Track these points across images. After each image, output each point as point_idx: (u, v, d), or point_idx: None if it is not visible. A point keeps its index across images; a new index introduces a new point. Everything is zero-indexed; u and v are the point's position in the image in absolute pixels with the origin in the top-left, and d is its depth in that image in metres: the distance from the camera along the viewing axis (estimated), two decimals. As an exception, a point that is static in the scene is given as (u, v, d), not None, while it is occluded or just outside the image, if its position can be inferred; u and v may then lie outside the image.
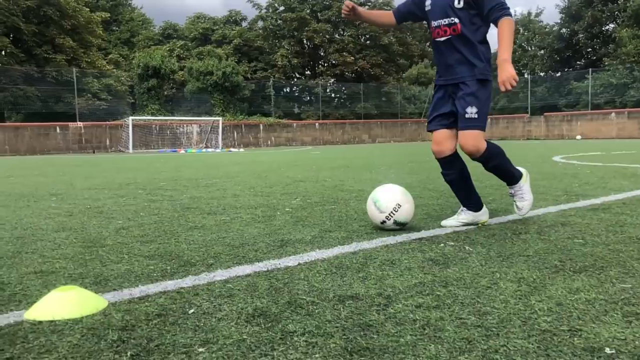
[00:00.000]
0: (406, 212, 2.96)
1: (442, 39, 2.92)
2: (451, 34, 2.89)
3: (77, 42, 30.18)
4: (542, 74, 37.85)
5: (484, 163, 2.98)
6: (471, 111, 2.84)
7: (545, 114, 30.61)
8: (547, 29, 40.40)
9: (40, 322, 1.64)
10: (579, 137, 28.21)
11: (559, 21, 38.71)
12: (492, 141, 3.04)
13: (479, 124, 2.86)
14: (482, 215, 3.11)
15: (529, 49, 41.35)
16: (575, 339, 1.44)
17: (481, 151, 2.88)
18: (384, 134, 33.12)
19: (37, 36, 28.23)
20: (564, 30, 37.98)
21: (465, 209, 3.09)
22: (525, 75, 36.76)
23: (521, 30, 40.60)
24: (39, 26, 28.35)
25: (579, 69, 35.41)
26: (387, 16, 3.27)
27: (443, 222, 3.10)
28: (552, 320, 1.57)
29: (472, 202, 3.08)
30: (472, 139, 2.86)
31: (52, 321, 1.65)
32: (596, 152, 11.97)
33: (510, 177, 3.07)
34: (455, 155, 3.03)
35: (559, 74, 35.55)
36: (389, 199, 2.94)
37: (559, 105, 31.81)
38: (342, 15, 3.21)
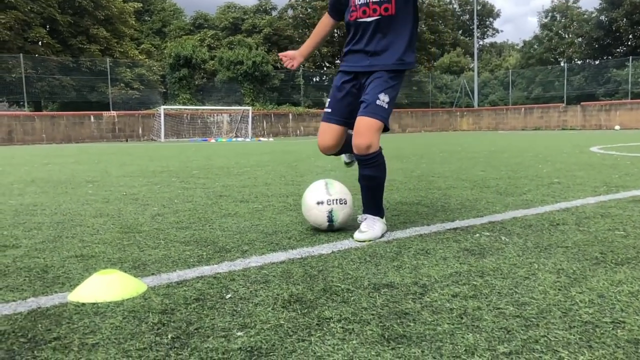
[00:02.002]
0: (345, 212, 2.72)
1: (369, 19, 2.49)
2: (381, 13, 2.48)
3: (111, 32, 30.75)
4: (579, 62, 36.78)
5: (365, 165, 2.54)
6: (383, 99, 2.47)
7: (582, 103, 29.76)
8: (585, 16, 39.19)
9: (83, 304, 1.69)
10: (617, 127, 27.35)
11: (597, 7, 37.49)
12: None
13: (385, 116, 2.49)
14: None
15: (566, 36, 40.21)
16: (619, 330, 1.40)
17: (373, 149, 2.48)
18: (414, 123, 32.79)
19: (72, 27, 28.86)
20: (603, 17, 36.77)
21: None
22: (562, 64, 35.80)
23: (558, 17, 39.48)
24: (74, 17, 28.97)
25: (618, 57, 34.29)
26: (326, 23, 2.82)
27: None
28: (593, 312, 1.53)
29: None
30: (371, 129, 2.46)
31: (94, 303, 1.69)
32: (636, 143, 11.60)
33: (378, 203, 2.63)
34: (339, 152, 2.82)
35: (597, 62, 34.48)
36: (342, 190, 2.76)
37: (597, 94, 30.90)
38: (287, 67, 2.93)
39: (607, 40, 37.17)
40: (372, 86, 2.51)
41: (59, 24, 28.06)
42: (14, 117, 22.53)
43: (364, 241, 2.48)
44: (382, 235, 2.59)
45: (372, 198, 2.62)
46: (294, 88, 32.20)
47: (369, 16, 2.51)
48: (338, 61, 41.55)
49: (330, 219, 2.69)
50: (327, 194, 2.71)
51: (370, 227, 2.55)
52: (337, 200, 2.70)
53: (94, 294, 1.73)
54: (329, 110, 2.72)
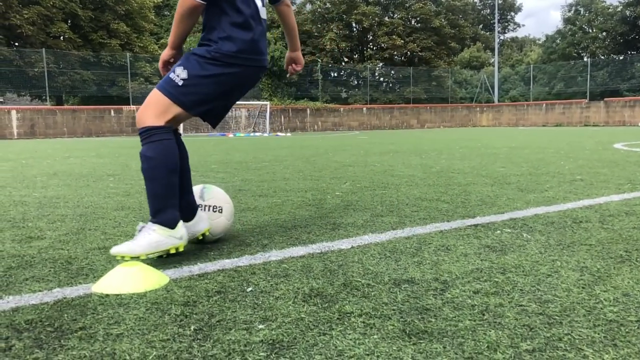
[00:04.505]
0: (218, 222, 2.42)
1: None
2: None
3: (131, 27, 31.01)
4: (603, 57, 36.11)
5: (142, 146, 2.11)
6: (179, 73, 2.11)
7: (606, 99, 29.22)
8: (610, 10, 38.42)
9: (107, 295, 1.72)
10: (641, 123, 26.82)
11: (622, 2, 36.71)
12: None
13: (171, 91, 2.10)
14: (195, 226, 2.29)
15: (590, 30, 39.50)
16: (645, 331, 1.38)
17: (142, 122, 2.10)
18: (433, 119, 32.55)
19: (93, 22, 29.18)
20: (628, 11, 36.01)
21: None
22: (585, 59, 35.20)
23: (582, 11, 38.79)
24: (95, 12, 29.28)
25: (643, 52, 33.61)
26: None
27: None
28: (618, 311, 1.51)
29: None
30: (148, 100, 2.14)
31: (118, 295, 1.72)
32: (660, 140, 11.36)
33: (155, 204, 2.10)
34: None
35: (621, 57, 33.80)
36: (221, 197, 2.50)
37: (621, 90, 30.30)
38: (290, 75, 2.66)
39: (632, 35, 36.42)
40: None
41: (80, 19, 28.40)
42: (36, 111, 22.92)
43: (116, 256, 2.01)
44: (162, 252, 2.06)
45: (148, 192, 2.12)
46: (312, 83, 32.18)
47: None
48: (356, 56, 41.43)
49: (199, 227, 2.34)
50: (200, 199, 2.43)
51: (136, 239, 2.05)
52: (209, 207, 2.42)
53: (117, 285, 1.76)
54: None
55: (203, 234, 2.31)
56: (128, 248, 2.01)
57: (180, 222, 2.13)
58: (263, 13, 2.26)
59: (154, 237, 2.04)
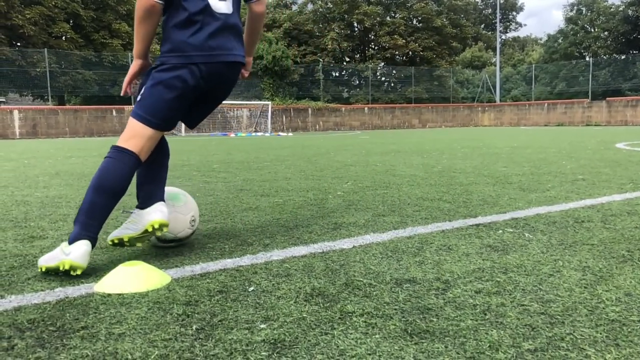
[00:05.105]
0: (178, 219, 2.32)
1: None
2: None
3: (132, 27, 31.01)
4: (605, 56, 36.04)
5: None
6: (142, 92, 2.15)
7: (608, 98, 29.16)
8: (612, 9, 38.36)
9: (109, 295, 1.72)
10: (643, 123, 26.76)
11: (624, 1, 36.66)
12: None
13: (136, 110, 2.13)
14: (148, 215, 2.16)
15: (592, 30, 39.44)
16: (647, 330, 1.38)
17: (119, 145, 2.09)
18: (435, 118, 32.52)
19: (94, 22, 29.20)
20: (630, 11, 35.95)
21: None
22: (587, 58, 35.15)
23: (584, 11, 38.74)
24: (97, 12, 29.31)
25: (645, 52, 33.55)
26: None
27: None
28: (621, 310, 1.51)
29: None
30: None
31: (120, 294, 1.72)
32: (662, 139, 11.33)
33: (79, 218, 1.99)
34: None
35: (623, 57, 33.74)
36: (190, 206, 2.41)
37: (623, 90, 30.24)
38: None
39: (634, 34, 36.36)
40: None
41: (82, 19, 28.43)
42: (38, 111, 22.95)
43: (40, 268, 1.97)
44: (52, 268, 1.92)
45: (86, 205, 2.01)
46: (314, 83, 32.17)
47: None
48: (358, 55, 41.43)
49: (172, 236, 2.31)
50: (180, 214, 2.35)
51: (53, 252, 1.98)
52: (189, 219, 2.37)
53: (119, 285, 1.76)
54: None
55: (153, 227, 2.11)
56: (43, 260, 1.98)
57: (82, 242, 1.93)
58: (222, 7, 2.13)
59: (56, 250, 1.97)
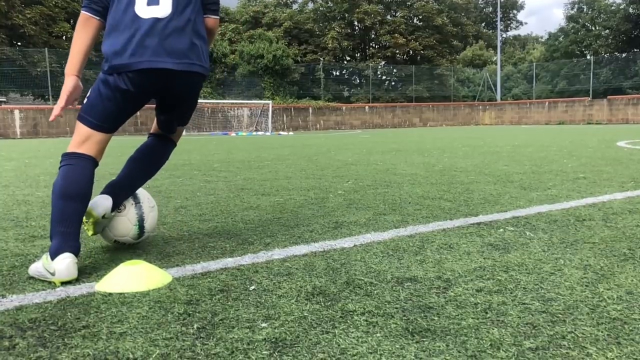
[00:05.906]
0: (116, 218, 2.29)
1: None
2: None
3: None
4: (606, 55, 35.99)
5: None
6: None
7: (609, 97, 29.13)
8: (613, 8, 38.30)
9: (110, 294, 1.72)
10: (644, 121, 26.73)
11: (626, -1, 36.64)
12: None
13: (80, 112, 2.17)
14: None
15: (593, 28, 39.38)
16: (649, 329, 1.38)
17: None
18: (435, 117, 32.51)
19: (96, 21, 29.24)
20: (631, 9, 35.89)
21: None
22: (588, 57, 35.11)
23: (585, 9, 38.70)
24: (98, 12, 29.34)
25: (646, 50, 33.49)
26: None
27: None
28: (622, 309, 1.51)
29: None
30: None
31: (121, 293, 1.72)
32: (663, 137, 11.32)
33: (50, 230, 1.97)
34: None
35: (624, 55, 33.69)
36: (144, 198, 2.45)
37: (624, 88, 30.20)
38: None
39: (635, 32, 36.29)
40: None
41: (83, 18, 28.50)
42: (39, 111, 22.96)
43: (33, 274, 1.94)
44: (60, 285, 1.84)
45: (54, 215, 1.99)
46: (314, 82, 32.18)
47: None
48: (359, 54, 41.41)
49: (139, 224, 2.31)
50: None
51: (38, 264, 1.95)
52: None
53: (120, 284, 1.76)
54: None
55: (103, 217, 2.15)
56: (31, 269, 1.96)
57: (64, 256, 1.87)
58: (153, 12, 2.05)
59: (39, 264, 1.93)
